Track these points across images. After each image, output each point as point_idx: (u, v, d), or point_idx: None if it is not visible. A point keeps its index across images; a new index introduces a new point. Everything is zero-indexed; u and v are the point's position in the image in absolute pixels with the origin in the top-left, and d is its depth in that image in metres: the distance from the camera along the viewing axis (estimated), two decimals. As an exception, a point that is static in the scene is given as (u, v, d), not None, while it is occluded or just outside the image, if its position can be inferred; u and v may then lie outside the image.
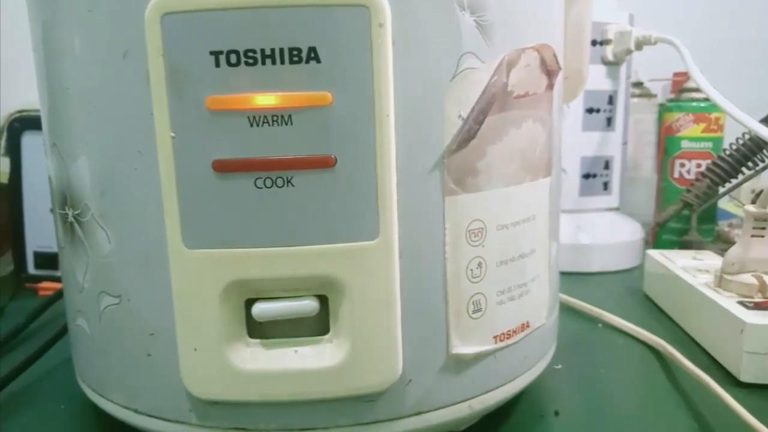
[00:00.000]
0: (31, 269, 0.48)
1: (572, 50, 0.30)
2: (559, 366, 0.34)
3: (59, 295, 0.37)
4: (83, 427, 0.28)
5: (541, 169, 0.25)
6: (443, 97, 0.21)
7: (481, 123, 0.22)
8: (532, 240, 0.25)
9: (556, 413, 0.29)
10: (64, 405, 0.30)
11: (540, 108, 0.24)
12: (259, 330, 0.21)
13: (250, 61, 0.19)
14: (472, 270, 0.22)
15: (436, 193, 0.21)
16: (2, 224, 0.50)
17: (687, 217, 0.55)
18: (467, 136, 0.22)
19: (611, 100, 0.55)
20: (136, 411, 0.23)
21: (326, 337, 0.21)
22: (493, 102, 0.22)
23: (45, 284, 0.48)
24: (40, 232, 0.48)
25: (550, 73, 0.25)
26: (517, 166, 0.23)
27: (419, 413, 0.23)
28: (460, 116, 0.21)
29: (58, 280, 0.43)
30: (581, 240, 0.54)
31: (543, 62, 0.24)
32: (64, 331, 0.33)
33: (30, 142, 0.47)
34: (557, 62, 0.25)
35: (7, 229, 0.49)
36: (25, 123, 0.47)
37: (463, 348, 0.23)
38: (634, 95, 0.68)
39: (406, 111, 0.20)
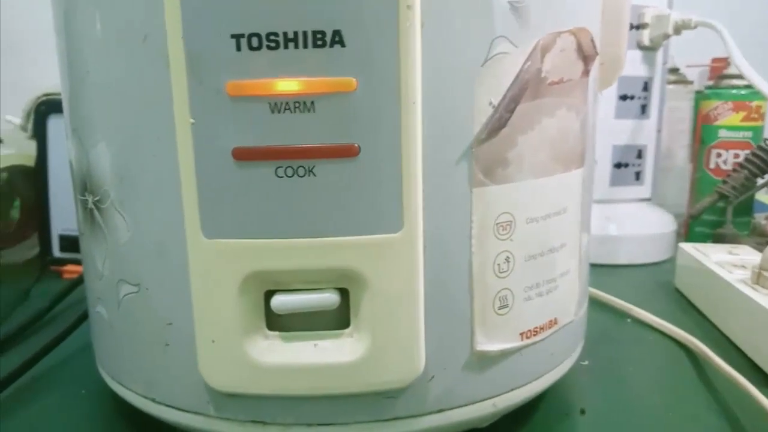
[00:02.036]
0: (56, 252, 0.49)
1: (609, 34, 0.28)
2: (586, 362, 0.33)
3: (83, 278, 0.37)
4: (103, 412, 0.28)
5: (574, 159, 0.24)
6: (473, 84, 0.20)
7: (512, 111, 0.21)
8: (562, 234, 0.24)
9: (582, 411, 0.28)
10: (85, 390, 0.30)
11: (574, 95, 0.23)
12: (278, 322, 0.21)
13: (272, 44, 0.18)
14: (499, 265, 0.22)
15: (464, 184, 0.20)
16: (28, 207, 0.50)
17: (722, 209, 0.53)
18: (498, 124, 0.20)
19: (646, 87, 0.53)
20: (154, 400, 0.23)
21: (346, 331, 0.21)
22: (526, 89, 0.21)
23: (70, 267, 0.48)
24: (65, 215, 0.48)
25: (586, 59, 0.23)
26: (549, 157, 0.22)
27: (441, 410, 0.22)
28: (490, 104, 0.20)
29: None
30: (610, 231, 0.53)
31: (579, 47, 0.23)
32: (85, 315, 0.33)
33: (56, 125, 0.47)
34: (594, 47, 0.24)
35: (33, 212, 0.49)
36: (50, 106, 0.47)
37: (487, 345, 0.22)
38: (669, 82, 0.65)
39: (434, 98, 0.19)
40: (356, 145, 0.19)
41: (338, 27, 0.18)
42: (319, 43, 0.18)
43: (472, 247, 0.21)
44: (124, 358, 0.24)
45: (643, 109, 0.54)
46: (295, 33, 0.18)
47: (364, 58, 0.18)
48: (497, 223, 0.21)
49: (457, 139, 0.20)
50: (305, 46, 0.18)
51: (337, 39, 0.18)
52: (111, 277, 0.23)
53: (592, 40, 0.24)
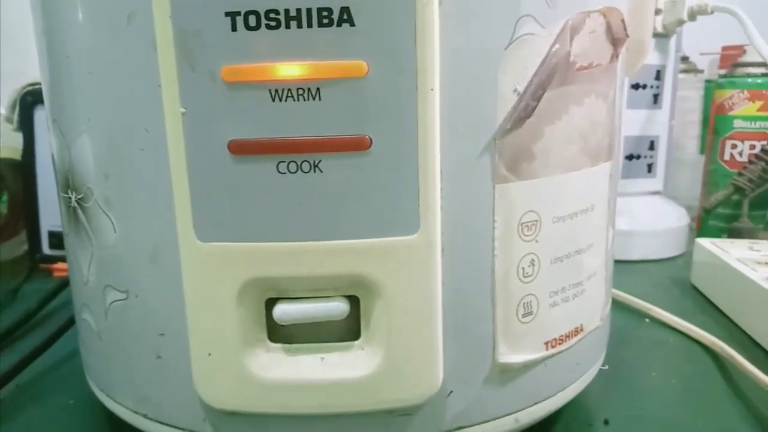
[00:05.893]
0: (46, 249, 0.47)
1: (634, 16, 0.26)
2: (606, 366, 0.31)
3: (71, 279, 0.35)
4: (93, 426, 0.26)
5: (602, 152, 0.22)
6: (497, 68, 0.18)
7: (539, 99, 0.19)
8: (589, 233, 0.22)
9: (606, 422, 0.26)
10: (74, 400, 0.28)
11: (603, 82, 0.21)
12: (281, 334, 0.19)
13: (273, 23, 0.16)
14: (523, 268, 0.20)
15: (486, 181, 0.18)
16: (16, 202, 0.48)
17: (737, 202, 0.51)
18: (523, 114, 0.18)
19: (659, 76, 0.51)
20: (146, 416, 0.21)
21: (357, 343, 0.19)
22: (554, 74, 0.19)
23: (60, 265, 0.46)
24: (54, 210, 0.46)
25: (615, 42, 0.21)
26: (577, 149, 0.20)
27: (460, 428, 0.20)
28: (515, 90, 0.18)
29: (72, 261, 0.41)
30: (621, 226, 0.51)
31: (609, 29, 0.21)
32: (73, 320, 0.31)
33: (43, 116, 0.45)
34: (624, 29, 0.22)
35: (20, 208, 0.47)
36: (37, 96, 0.45)
37: (510, 356, 0.20)
38: (679, 70, 0.63)
39: (454, 84, 0.17)
40: (367, 137, 0.17)
41: (346, 4, 0.16)
42: (326, 21, 0.16)
43: (495, 250, 0.19)
44: (114, 370, 0.22)
45: (656, 98, 0.52)
46: (298, 10, 0.16)
47: (376, 39, 0.16)
48: (522, 223, 0.19)
49: (479, 130, 0.18)
50: (309, 25, 0.16)
51: (346, 17, 0.16)
52: (97, 282, 0.21)
53: (623, 21, 0.21)
